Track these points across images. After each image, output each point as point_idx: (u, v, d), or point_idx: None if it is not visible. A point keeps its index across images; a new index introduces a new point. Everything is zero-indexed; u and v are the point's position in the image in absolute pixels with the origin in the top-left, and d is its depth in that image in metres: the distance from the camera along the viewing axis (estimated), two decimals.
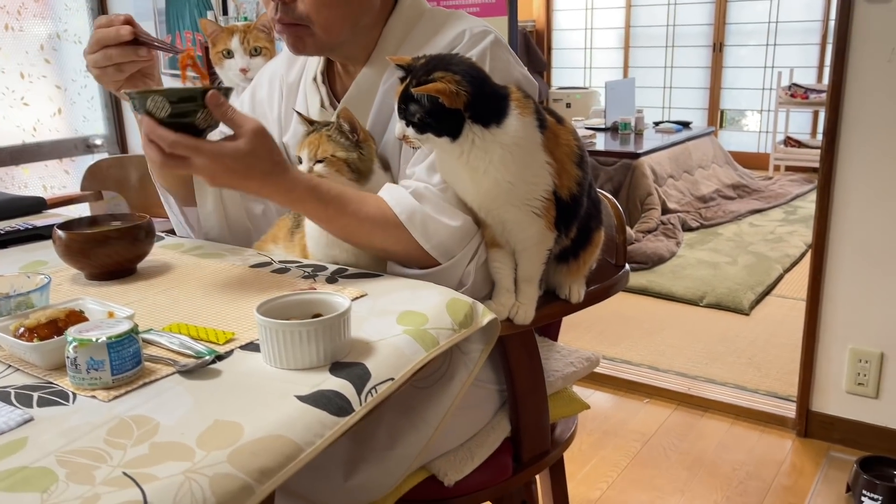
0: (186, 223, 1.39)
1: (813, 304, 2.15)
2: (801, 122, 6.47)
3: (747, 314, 3.20)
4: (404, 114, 1.03)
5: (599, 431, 2.32)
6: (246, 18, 2.77)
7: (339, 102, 1.27)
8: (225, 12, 3.05)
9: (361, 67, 1.22)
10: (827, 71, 6.22)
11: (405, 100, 1.02)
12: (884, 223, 2.01)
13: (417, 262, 1.10)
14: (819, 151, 5.85)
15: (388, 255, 1.12)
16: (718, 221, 4.50)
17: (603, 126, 5.21)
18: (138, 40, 1.08)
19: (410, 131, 1.03)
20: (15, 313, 0.87)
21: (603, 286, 1.33)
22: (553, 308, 1.24)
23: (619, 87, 5.35)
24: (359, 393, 0.76)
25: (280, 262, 1.18)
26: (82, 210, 3.33)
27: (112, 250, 1.08)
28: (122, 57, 1.09)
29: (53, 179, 3.76)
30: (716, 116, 6.76)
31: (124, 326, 0.76)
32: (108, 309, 0.89)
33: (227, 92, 1.01)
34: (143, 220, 1.15)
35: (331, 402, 0.73)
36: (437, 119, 1.00)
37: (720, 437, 2.26)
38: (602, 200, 1.33)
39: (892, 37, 1.91)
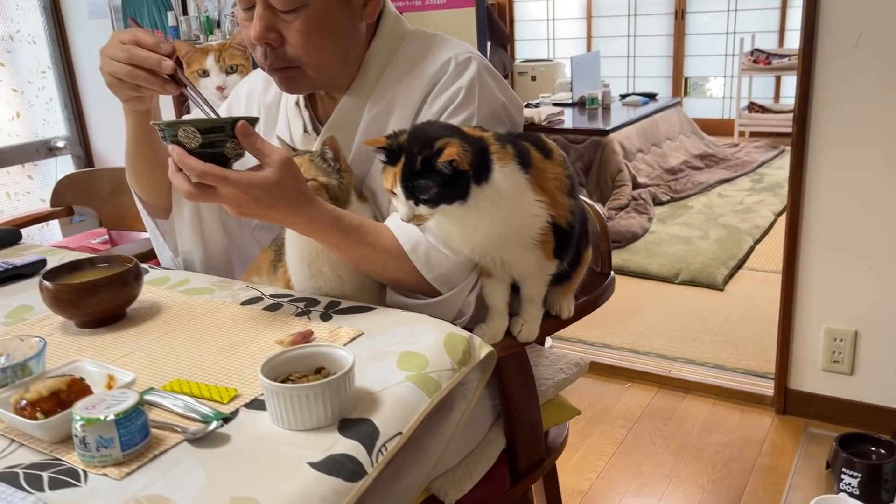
0: (159, 233, 1.37)
1: (788, 286, 2.20)
2: (763, 87, 6.54)
3: (721, 290, 3.26)
4: (413, 193, 0.99)
5: (584, 419, 2.36)
6: (208, 18, 2.72)
7: (321, 127, 1.26)
8: (185, 12, 2.99)
9: (344, 93, 1.21)
10: (788, 35, 6.29)
11: (411, 178, 0.99)
12: (855, 206, 2.06)
13: (423, 292, 1.12)
14: (782, 116, 5.91)
15: (399, 284, 1.13)
16: (688, 194, 4.55)
17: (570, 101, 5.21)
18: (175, 78, 1.06)
19: (423, 209, 1.00)
20: (12, 382, 0.86)
21: (591, 298, 1.35)
22: (545, 325, 1.26)
23: (584, 60, 5.35)
24: (370, 453, 0.77)
25: (271, 296, 1.17)
26: (52, 230, 3.26)
27: (101, 298, 1.07)
28: (148, 83, 1.07)
29: (17, 186, 3.67)
30: (680, 84, 6.80)
31: (130, 400, 0.76)
32: (108, 372, 0.88)
33: (253, 122, 1.01)
34: (130, 263, 1.14)
35: (344, 468, 0.74)
36: (451, 186, 0.98)
37: (703, 419, 2.32)
38: (587, 213, 1.34)
39: (859, 24, 1.93)
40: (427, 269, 1.09)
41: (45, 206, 3.80)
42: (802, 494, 1.95)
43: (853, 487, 1.86)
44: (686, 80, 6.83)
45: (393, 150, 1.02)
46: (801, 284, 2.19)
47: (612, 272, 1.45)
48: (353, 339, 1.00)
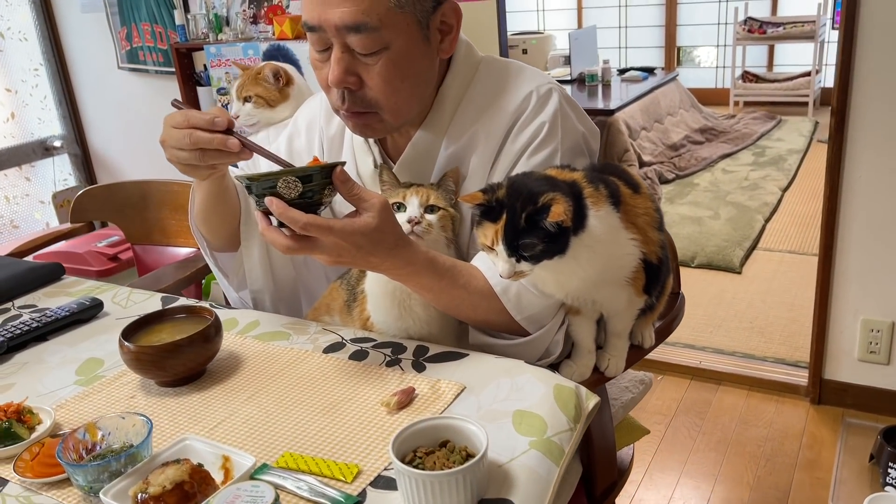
0: (223, 274, 1.33)
1: (825, 278, 2.19)
2: (756, 56, 6.50)
3: (739, 272, 3.25)
4: (517, 251, 0.96)
5: None
6: (216, 16, 2.62)
7: (392, 163, 1.21)
8: (187, 9, 2.88)
9: (417, 128, 1.16)
10: (780, 3, 6.24)
11: (515, 236, 0.95)
12: (893, 198, 2.04)
13: (511, 332, 1.09)
14: (777, 85, 5.89)
15: (487, 325, 1.10)
16: (692, 170, 4.53)
17: (569, 78, 5.15)
18: (245, 146, 1.01)
19: (525, 266, 0.97)
20: (125, 471, 0.82)
21: (666, 322, 1.33)
22: (627, 355, 1.24)
23: (582, 36, 5.27)
24: None
25: (352, 340, 1.14)
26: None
27: (185, 358, 1.03)
28: (220, 160, 1.03)
29: (15, 189, 3.58)
30: (673, 54, 6.75)
31: (268, 497, 0.72)
32: (222, 452, 0.85)
33: (343, 166, 0.97)
34: (209, 315, 1.09)
35: None
36: (554, 242, 0.95)
37: (739, 412, 2.33)
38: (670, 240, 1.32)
39: None
40: (517, 311, 1.07)
41: (45, 209, 3.72)
42: (849, 489, 1.96)
43: None
44: (679, 49, 6.77)
45: (491, 207, 0.98)
46: (838, 276, 2.18)
47: (681, 290, 1.43)
48: (457, 395, 0.97)
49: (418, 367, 1.05)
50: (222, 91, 2.62)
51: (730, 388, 2.46)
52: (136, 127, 3.58)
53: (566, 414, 0.93)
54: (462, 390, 0.98)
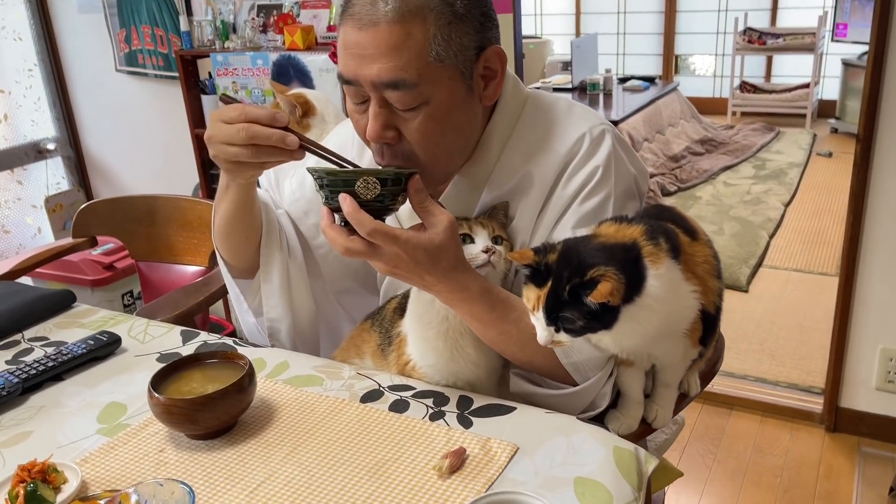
0: (243, 298, 1.27)
1: (845, 306, 2.16)
2: (754, 66, 6.50)
3: (746, 291, 3.23)
4: (556, 322, 0.91)
5: None
6: (224, 23, 2.55)
7: None
8: (189, 13, 2.80)
9: (458, 170, 1.10)
10: (780, 13, 6.24)
11: (556, 307, 0.90)
12: None
13: (554, 378, 1.05)
14: (775, 96, 5.87)
15: (530, 367, 1.05)
16: (694, 183, 4.51)
17: (570, 86, 5.11)
18: (302, 145, 0.96)
19: (564, 336, 0.92)
20: None
21: (709, 366, 1.29)
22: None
23: (583, 43, 5.23)
24: None
25: (389, 388, 1.08)
26: (44, 237, 3.07)
27: (219, 411, 0.97)
28: (274, 157, 0.97)
29: (6, 193, 3.48)
30: (671, 63, 6.73)
31: None
32: None
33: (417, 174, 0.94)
34: (241, 361, 1.03)
35: None
36: (597, 319, 0.89)
37: (753, 439, 2.29)
38: None
39: None
40: (565, 355, 1.02)
41: (37, 213, 3.62)
42: None
43: None
44: (677, 58, 6.76)
45: (539, 270, 0.93)
46: (858, 304, 2.15)
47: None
48: (511, 457, 0.92)
49: (464, 421, 1.00)
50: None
51: (742, 413, 2.43)
52: (132, 131, 3.50)
53: (629, 482, 0.88)
54: (515, 451, 0.93)
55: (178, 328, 1.32)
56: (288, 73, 2.36)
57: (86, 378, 1.17)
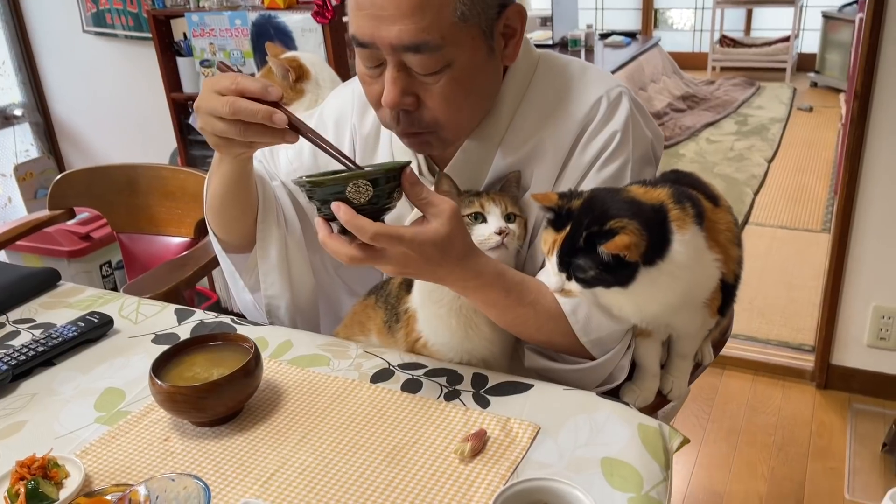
0: (238, 275, 1.22)
1: (838, 265, 2.16)
2: (734, 20, 6.44)
3: None
4: (568, 268, 0.89)
5: None
6: None
7: (437, 169, 1.10)
8: None
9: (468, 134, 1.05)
10: None
11: (570, 253, 0.88)
12: None
13: (573, 354, 1.02)
14: (755, 50, 5.83)
15: (549, 345, 1.02)
16: (677, 140, 4.48)
17: (550, 42, 5.02)
18: (292, 126, 0.88)
19: (574, 286, 0.90)
20: None
21: (721, 330, 1.26)
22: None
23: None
24: None
25: (399, 367, 1.04)
26: (15, 207, 2.96)
27: (226, 397, 0.92)
28: (262, 137, 0.90)
29: None
30: (650, 16, 6.64)
31: None
32: None
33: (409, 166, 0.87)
34: (247, 344, 0.98)
35: None
36: (611, 273, 0.87)
37: (746, 399, 2.30)
38: None
39: None
40: (585, 333, 0.99)
41: (7, 182, 3.50)
42: (864, 480, 1.95)
43: None
44: (655, 12, 6.67)
45: (560, 214, 0.90)
46: (852, 262, 2.15)
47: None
48: (533, 438, 0.89)
49: (481, 401, 0.96)
50: (206, 63, 2.45)
51: (734, 372, 2.44)
52: (103, 96, 3.37)
53: (657, 461, 0.86)
54: (537, 432, 0.90)
55: (172, 306, 1.26)
56: (268, 33, 2.26)
57: (78, 362, 1.12)
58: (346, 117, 1.18)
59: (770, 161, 4.15)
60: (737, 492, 1.96)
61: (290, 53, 1.62)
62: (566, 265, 0.89)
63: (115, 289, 2.88)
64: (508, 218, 0.99)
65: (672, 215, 0.91)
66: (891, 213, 2.06)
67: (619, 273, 0.87)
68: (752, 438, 2.14)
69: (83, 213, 2.93)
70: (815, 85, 5.65)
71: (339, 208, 0.82)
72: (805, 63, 5.91)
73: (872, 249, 2.11)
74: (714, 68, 6.13)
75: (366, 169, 0.87)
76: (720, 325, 1.14)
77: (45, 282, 1.35)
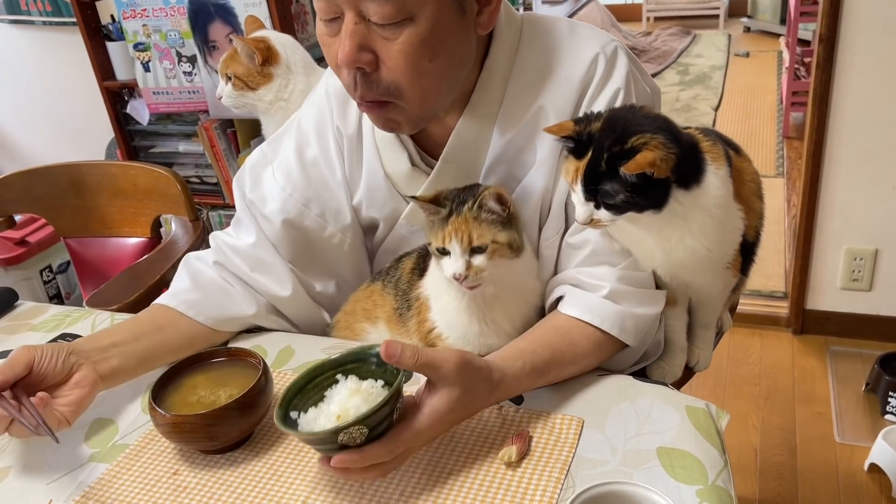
0: None
1: (810, 210, 2.16)
2: None
3: None
4: (595, 196, 0.83)
5: None
6: None
7: (431, 158, 1.01)
8: None
9: (459, 114, 0.96)
10: None
11: (595, 179, 0.82)
12: (881, 127, 2.00)
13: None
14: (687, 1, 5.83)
15: (592, 367, 0.95)
16: None
17: None
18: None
19: (604, 214, 0.83)
20: None
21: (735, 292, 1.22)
22: None
23: None
24: None
25: None
26: None
27: (238, 421, 0.84)
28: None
29: None
30: None
31: None
32: None
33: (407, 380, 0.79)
34: (254, 360, 0.90)
35: None
36: (642, 194, 0.81)
37: (726, 350, 2.31)
38: None
39: None
40: (634, 337, 0.95)
41: None
42: (851, 421, 1.98)
43: None
44: None
45: (581, 140, 0.83)
46: (823, 208, 2.15)
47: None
48: (580, 433, 0.83)
49: (517, 400, 0.90)
50: (140, 47, 2.28)
51: None
52: (21, 90, 3.14)
53: (713, 445, 0.81)
54: (582, 426, 0.84)
55: None
56: (207, 11, 2.11)
57: None
58: (326, 122, 1.06)
59: (716, 109, 4.17)
60: (731, 446, 1.94)
61: (259, 33, 1.48)
62: (593, 193, 0.83)
63: (58, 295, 2.72)
64: (475, 251, 0.88)
65: (704, 146, 0.86)
66: (859, 156, 2.06)
67: (650, 193, 0.81)
68: (739, 390, 2.15)
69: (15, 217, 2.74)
70: (748, 30, 5.70)
71: (341, 463, 0.73)
72: (736, 8, 5.95)
73: (842, 192, 2.12)
74: (649, 19, 6.13)
75: (351, 420, 0.73)
76: (739, 288, 1.10)
77: (0, 304, 1.22)
